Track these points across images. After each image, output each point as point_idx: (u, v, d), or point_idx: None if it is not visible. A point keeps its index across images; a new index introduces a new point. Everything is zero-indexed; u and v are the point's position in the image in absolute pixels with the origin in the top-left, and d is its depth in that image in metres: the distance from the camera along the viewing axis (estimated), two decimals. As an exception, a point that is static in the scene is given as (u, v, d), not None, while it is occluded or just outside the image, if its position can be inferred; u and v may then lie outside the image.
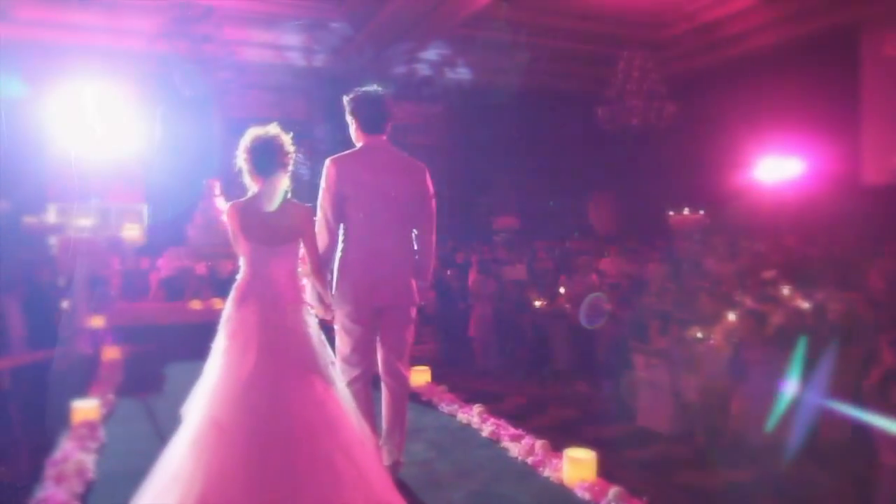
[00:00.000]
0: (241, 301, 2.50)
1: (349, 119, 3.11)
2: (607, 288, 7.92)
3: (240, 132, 2.68)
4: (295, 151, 2.63)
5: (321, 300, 2.83)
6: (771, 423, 4.93)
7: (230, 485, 2.20)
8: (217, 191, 10.50)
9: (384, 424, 3.01)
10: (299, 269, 2.66)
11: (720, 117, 12.48)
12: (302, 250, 2.69)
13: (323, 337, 2.60)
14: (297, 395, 2.37)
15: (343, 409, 2.45)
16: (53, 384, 5.63)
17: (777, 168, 12.31)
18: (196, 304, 8.30)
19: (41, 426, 4.56)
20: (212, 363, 2.44)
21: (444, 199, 13.48)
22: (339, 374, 2.65)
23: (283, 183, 2.61)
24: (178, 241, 11.20)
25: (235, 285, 2.57)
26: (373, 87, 3.11)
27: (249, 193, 2.61)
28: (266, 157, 2.57)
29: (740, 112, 12.15)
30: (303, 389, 2.39)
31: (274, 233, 2.55)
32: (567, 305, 7.83)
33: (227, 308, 2.53)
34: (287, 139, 2.62)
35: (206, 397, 2.35)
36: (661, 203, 13.63)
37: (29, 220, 10.96)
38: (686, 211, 13.42)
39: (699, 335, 5.85)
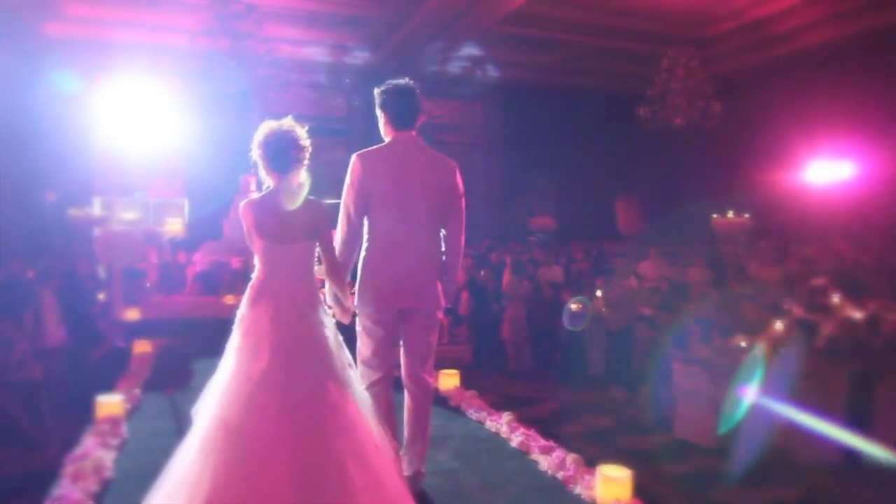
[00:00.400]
0: (255, 300, 2.41)
1: (378, 113, 2.99)
2: (646, 291, 7.67)
3: None
4: (311, 145, 2.50)
5: (339, 302, 2.71)
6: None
7: (238, 487, 2.11)
8: (252, 186, 10.56)
9: (406, 432, 2.88)
10: (315, 268, 2.55)
11: (768, 118, 12.05)
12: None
13: (340, 338, 2.48)
14: (309, 398, 2.27)
15: (358, 413, 2.33)
16: (85, 375, 5.68)
17: (827, 171, 11.83)
18: (230, 299, 8.32)
19: (72, 417, 4.58)
20: (225, 362, 2.36)
21: (481, 198, 13.32)
22: (356, 377, 2.53)
23: (301, 179, 2.49)
24: (216, 235, 11.33)
25: (250, 284, 2.48)
26: (403, 81, 2.98)
27: (264, 189, 2.51)
28: (280, 153, 2.45)
29: (789, 112, 11.71)
30: (315, 392, 2.29)
31: (288, 231, 2.44)
32: (604, 309, 7.61)
33: (242, 307, 2.44)
34: (302, 132, 2.50)
35: (216, 397, 2.27)
36: (704, 205, 13.23)
37: (74, 212, 11.21)
38: (730, 214, 13.01)
39: (743, 344, 5.59)
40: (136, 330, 6.68)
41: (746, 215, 12.88)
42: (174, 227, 13.12)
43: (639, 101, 11.50)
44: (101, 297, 7.53)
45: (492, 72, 13.62)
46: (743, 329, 5.77)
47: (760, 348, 5.24)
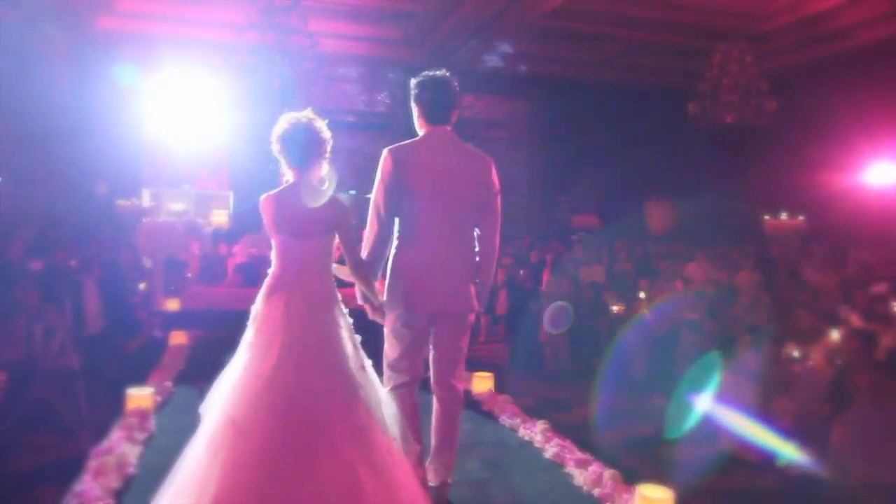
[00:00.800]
0: (269, 295, 2.36)
1: (412, 106, 2.86)
2: (692, 295, 7.38)
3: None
4: (332, 138, 2.40)
5: (367, 300, 2.61)
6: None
7: (244, 487, 2.05)
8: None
9: (433, 440, 2.75)
10: (334, 266, 2.45)
11: (824, 116, 11.51)
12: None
13: (357, 339, 2.39)
14: (320, 400, 2.18)
15: (371, 417, 2.24)
16: (123, 365, 5.74)
17: (888, 172, 11.26)
18: (267, 292, 8.31)
19: (107, 407, 4.60)
20: (237, 357, 2.30)
21: (523, 195, 13.10)
22: (372, 379, 2.43)
23: (322, 174, 2.40)
24: (259, 228, 11.42)
25: (267, 279, 2.41)
26: (440, 72, 2.85)
27: (284, 182, 2.43)
28: (300, 147, 2.36)
29: (848, 111, 11.14)
30: (326, 394, 2.20)
31: (305, 226, 2.36)
32: (647, 312, 7.35)
33: (257, 302, 2.37)
34: (322, 125, 2.40)
35: (225, 394, 2.20)
36: (755, 206, 12.75)
37: (122, 202, 11.46)
38: (783, 215, 12.49)
39: (796, 354, 5.29)
40: (175, 320, 6.71)
41: (801, 217, 12.36)
42: (219, 218, 13.29)
43: (688, 98, 11.12)
44: (142, 286, 7.64)
45: (536, 67, 13.39)
46: (796, 337, 5.47)
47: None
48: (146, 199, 12.67)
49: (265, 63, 11.42)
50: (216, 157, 13.34)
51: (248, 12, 10.62)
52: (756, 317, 6.11)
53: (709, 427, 5.20)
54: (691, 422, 4.73)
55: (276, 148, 2.39)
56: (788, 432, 4.92)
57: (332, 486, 2.08)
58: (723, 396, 5.52)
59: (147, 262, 8.59)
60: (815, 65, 12.24)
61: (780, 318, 6.00)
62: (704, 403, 4.78)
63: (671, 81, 13.02)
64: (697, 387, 4.93)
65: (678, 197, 14.35)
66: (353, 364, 2.32)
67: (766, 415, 5.03)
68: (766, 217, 12.75)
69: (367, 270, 2.61)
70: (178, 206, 12.98)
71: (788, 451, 4.50)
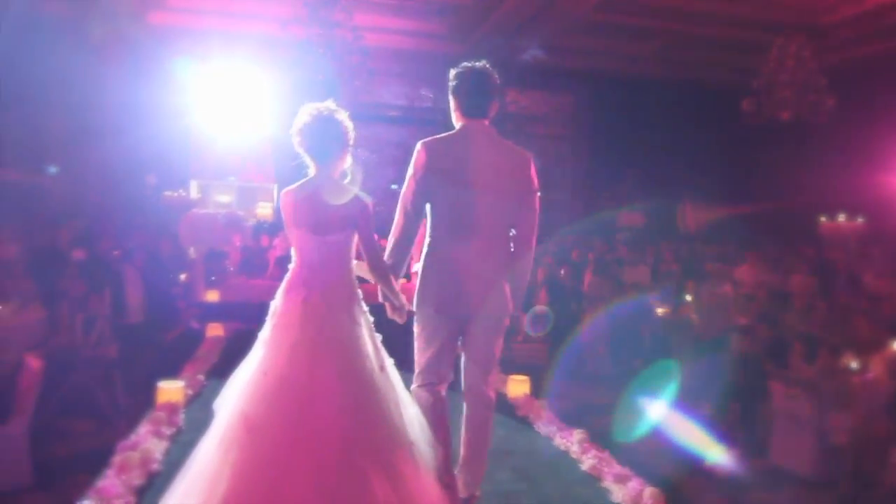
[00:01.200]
0: (288, 291, 2.28)
1: (450, 98, 2.74)
2: (742, 299, 7.07)
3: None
4: (353, 130, 2.30)
5: (387, 299, 2.50)
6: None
7: (254, 487, 1.99)
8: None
9: (462, 450, 2.61)
10: (354, 263, 2.35)
11: (886, 113, 10.96)
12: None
13: (377, 338, 2.29)
14: (333, 400, 2.10)
15: (389, 421, 2.13)
16: (161, 355, 5.79)
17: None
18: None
19: (143, 396, 4.62)
20: (253, 353, 2.23)
21: (567, 192, 12.77)
22: (392, 379, 2.32)
23: (343, 168, 2.30)
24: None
25: (286, 275, 2.33)
26: (479, 64, 2.73)
27: (307, 175, 2.33)
28: (321, 140, 2.27)
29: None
30: (340, 394, 2.11)
31: (323, 221, 2.27)
32: (693, 315, 7.07)
33: (276, 297, 2.29)
34: (344, 116, 2.30)
35: (238, 390, 2.13)
36: (811, 207, 12.23)
37: (169, 194, 11.66)
38: (841, 217, 11.95)
39: (853, 365, 4.98)
40: (213, 312, 6.76)
41: (860, 219, 11.80)
42: (264, 211, 13.41)
43: (741, 94, 10.70)
44: (183, 277, 7.72)
45: (581, 62, 13.10)
46: (854, 347, 5.15)
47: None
48: (194, 191, 12.85)
49: (310, 57, 11.44)
50: (261, 150, 13.45)
51: (293, 6, 10.66)
52: (810, 324, 5.79)
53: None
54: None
55: (296, 141, 2.32)
56: (842, 449, 4.65)
57: (341, 492, 1.99)
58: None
59: (192, 253, 8.69)
60: (876, 60, 11.66)
61: (836, 326, 5.67)
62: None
63: (723, 77, 12.57)
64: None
65: (728, 196, 13.90)
66: (371, 364, 2.23)
67: (821, 429, 4.77)
68: (823, 218, 12.23)
69: (385, 269, 2.50)
70: (224, 199, 13.14)
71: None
